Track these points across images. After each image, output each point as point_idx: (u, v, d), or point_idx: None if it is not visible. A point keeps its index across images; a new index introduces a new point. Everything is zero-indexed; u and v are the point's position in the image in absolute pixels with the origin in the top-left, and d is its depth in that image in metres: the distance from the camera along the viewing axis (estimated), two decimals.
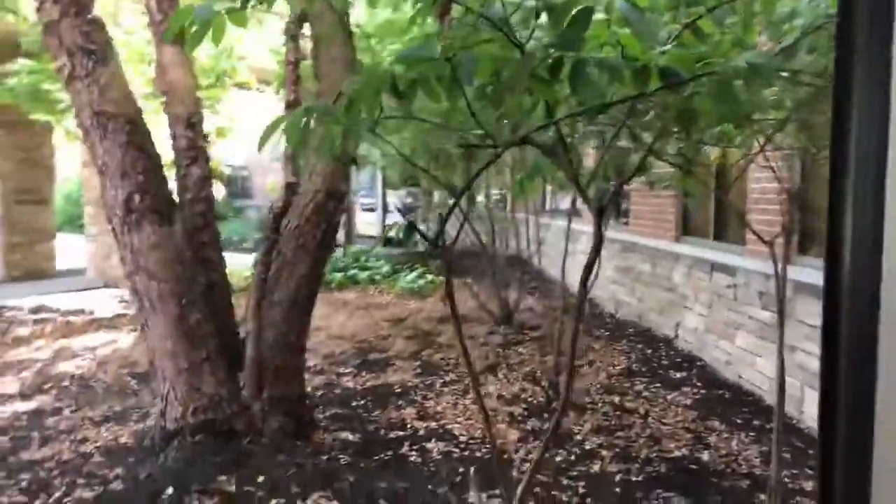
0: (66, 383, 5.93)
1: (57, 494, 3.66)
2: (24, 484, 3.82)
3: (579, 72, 1.33)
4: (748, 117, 3.00)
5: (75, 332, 7.92)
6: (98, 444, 4.42)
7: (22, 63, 8.75)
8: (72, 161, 16.58)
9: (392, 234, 13.79)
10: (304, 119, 1.51)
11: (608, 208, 2.50)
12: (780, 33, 2.57)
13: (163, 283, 4.13)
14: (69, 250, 13.77)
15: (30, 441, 4.53)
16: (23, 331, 7.93)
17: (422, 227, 12.96)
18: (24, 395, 5.60)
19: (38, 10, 4.03)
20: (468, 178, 9.27)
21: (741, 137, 3.27)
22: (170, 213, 4.25)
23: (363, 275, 12.07)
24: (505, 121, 2.09)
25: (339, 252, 14.39)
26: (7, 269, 12.01)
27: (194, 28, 1.78)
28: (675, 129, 3.33)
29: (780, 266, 3.35)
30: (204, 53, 8.81)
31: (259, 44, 9.72)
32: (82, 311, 9.17)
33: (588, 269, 2.09)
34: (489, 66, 1.52)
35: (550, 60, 1.41)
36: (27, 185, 12.33)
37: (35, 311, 9.24)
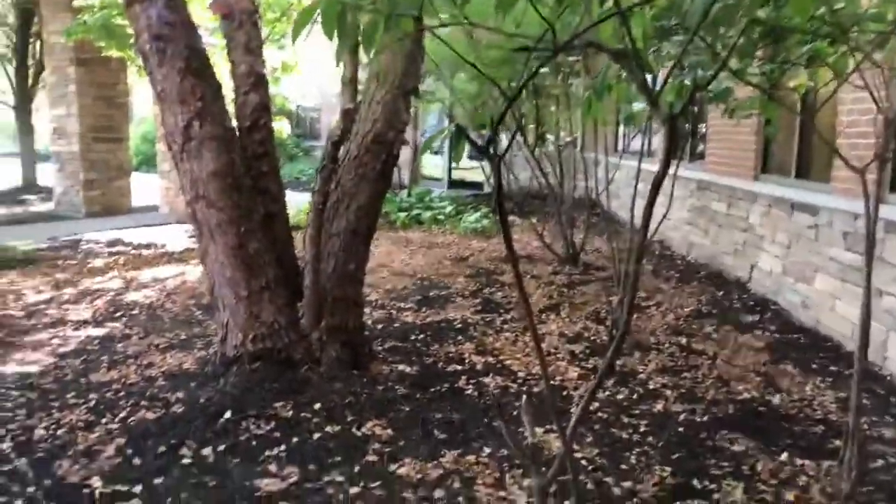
0: (135, 311, 6.10)
1: (122, 415, 3.76)
2: (91, 403, 3.94)
3: None
4: (844, 32, 2.70)
5: (147, 265, 8.14)
6: (163, 369, 4.52)
7: None
8: (148, 101, 16.91)
9: (436, 144, 13.63)
10: (340, 6, 1.37)
11: (680, 122, 2.29)
12: None
13: (222, 212, 4.11)
14: (145, 188, 14.15)
15: (99, 364, 4.67)
16: (98, 262, 8.20)
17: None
18: (96, 322, 5.78)
19: None
20: (534, 114, 8.99)
21: (835, 57, 2.96)
22: (229, 140, 4.20)
23: (427, 214, 12.00)
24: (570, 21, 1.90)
25: (403, 193, 14.35)
26: (86, 204, 12.44)
27: None
28: (760, 47, 3.05)
29: (871, 201, 3.06)
30: None
31: None
32: (154, 245, 9.43)
33: (650, 204, 1.91)
34: None
35: None
36: (104, 123, 12.64)
37: (110, 244, 9.55)
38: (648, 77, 2.04)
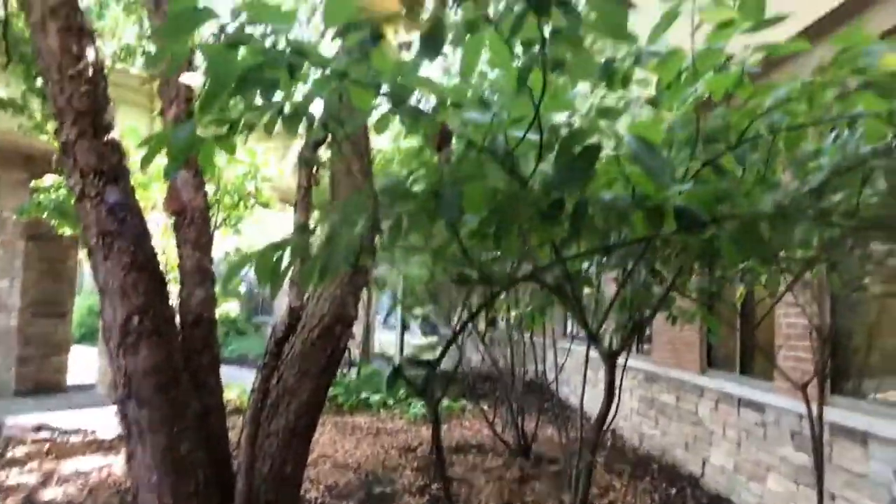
0: None
1: None
2: None
3: (582, 214, 1.18)
4: (774, 255, 2.83)
5: (72, 454, 7.61)
6: None
7: (52, 178, 8.97)
8: None
9: (390, 319, 13.49)
10: (277, 255, 1.36)
11: (623, 350, 2.29)
12: (805, 171, 2.44)
13: (155, 411, 3.90)
14: (85, 364, 13.61)
15: None
16: (19, 451, 7.65)
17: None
18: None
19: (57, 131, 4.06)
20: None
21: (767, 275, 3.09)
22: (169, 336, 4.09)
23: (375, 398, 11.70)
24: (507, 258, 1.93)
25: (353, 372, 14.08)
26: (17, 381, 11.85)
27: (173, 152, 1.68)
28: (697, 266, 3.17)
29: (815, 409, 3.06)
30: (230, 174, 8.97)
31: (282, 163, 9.92)
32: (84, 431, 8.90)
33: (600, 423, 1.86)
34: (480, 202, 1.38)
35: (551, 200, 1.26)
36: (48, 298, 12.37)
37: (37, 429, 8.98)
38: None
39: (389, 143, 12.12)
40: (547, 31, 1.41)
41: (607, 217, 1.36)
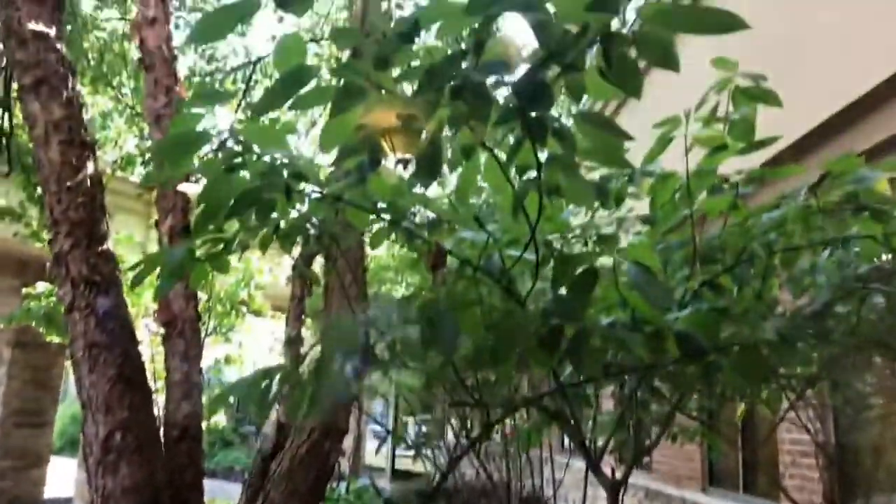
0: None
1: None
2: None
3: (580, 345, 1.14)
4: (775, 374, 2.78)
5: None
6: None
7: (42, 286, 8.93)
8: None
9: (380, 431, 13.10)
10: (265, 383, 1.31)
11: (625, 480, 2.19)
12: (802, 287, 2.43)
13: None
14: (63, 476, 13.12)
15: None
16: None
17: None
18: None
19: (51, 242, 4.06)
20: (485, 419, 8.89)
21: (768, 393, 3.02)
22: (152, 452, 3.93)
23: None
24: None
25: (343, 486, 13.58)
26: None
27: (166, 273, 1.66)
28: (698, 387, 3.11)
29: None
30: (222, 281, 8.96)
31: (277, 270, 9.93)
32: None
33: None
34: (477, 326, 1.35)
35: (549, 327, 1.23)
36: (30, 407, 12.06)
37: None
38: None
39: (384, 250, 12.23)
40: (543, 156, 1.43)
41: (606, 342, 1.33)
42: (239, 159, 1.53)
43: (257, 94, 8.67)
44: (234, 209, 1.55)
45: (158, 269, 1.70)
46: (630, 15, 2.55)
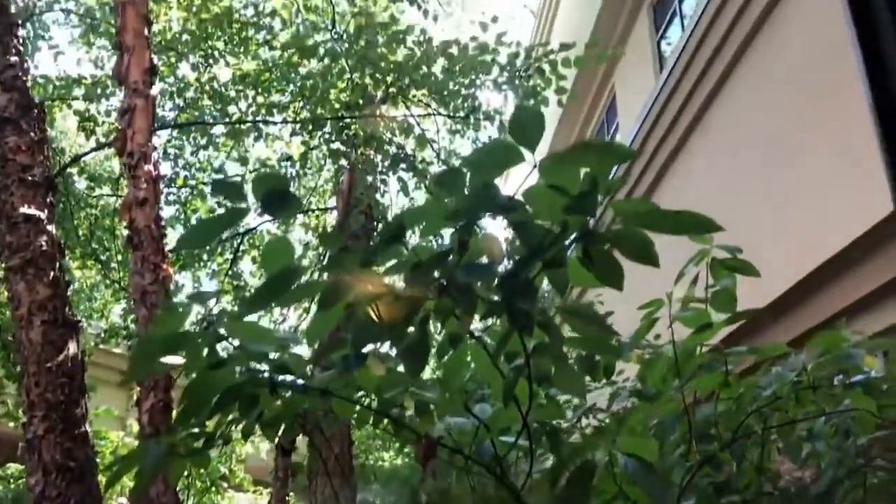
0: None
1: None
2: None
3: None
4: None
5: None
6: None
7: (14, 467, 8.56)
8: None
9: None
10: None
11: None
12: (801, 457, 2.37)
13: None
14: None
15: None
16: None
17: None
18: None
19: (25, 426, 3.93)
20: None
21: None
22: None
23: None
24: None
25: None
26: None
27: (144, 472, 1.58)
28: None
29: None
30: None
31: (258, 441, 9.60)
32: None
33: None
34: None
35: None
36: None
37: None
38: None
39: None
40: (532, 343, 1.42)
41: None
42: (223, 353, 1.52)
43: (245, 265, 8.81)
44: (217, 406, 1.51)
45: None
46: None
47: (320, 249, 7.83)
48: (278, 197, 1.23)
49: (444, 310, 1.33)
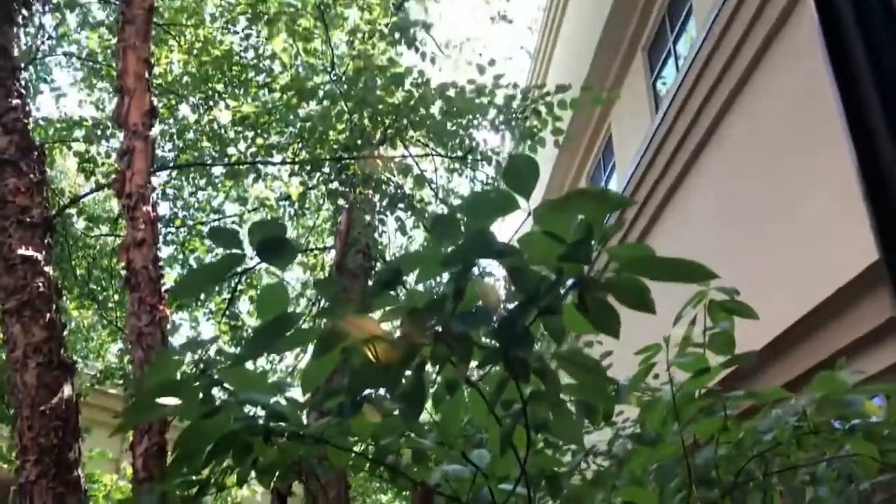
0: None
1: None
2: None
3: None
4: None
5: None
6: None
7: None
8: None
9: None
10: None
11: None
12: (804, 500, 2.34)
13: None
14: None
15: None
16: None
17: None
18: None
19: (18, 470, 3.88)
20: None
21: None
22: None
23: None
24: None
25: None
26: None
27: None
28: None
29: None
30: None
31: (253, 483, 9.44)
32: None
33: None
34: None
35: None
36: None
37: None
38: None
39: None
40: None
41: None
42: (217, 401, 1.51)
43: (243, 305, 8.77)
44: (212, 454, 1.50)
45: None
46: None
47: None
48: (275, 244, 1.23)
49: (440, 357, 1.32)
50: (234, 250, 1.28)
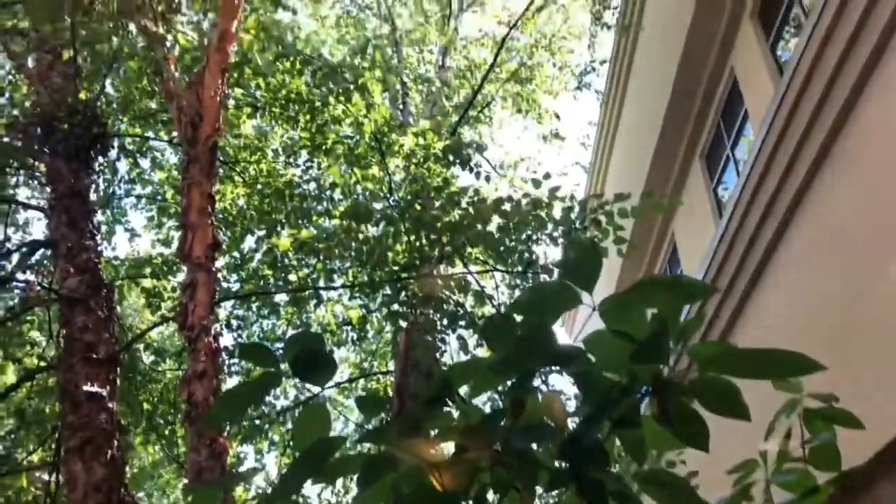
0: None
1: None
2: None
3: None
4: None
5: None
6: None
7: None
8: None
9: None
10: None
11: None
12: None
13: None
14: None
15: None
16: None
17: None
18: None
19: None
20: None
21: None
22: None
23: None
24: None
25: None
26: None
27: None
28: None
29: None
30: None
31: None
32: None
33: None
34: None
35: None
36: None
37: None
38: None
39: None
40: None
41: None
42: None
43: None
44: None
45: None
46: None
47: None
48: (310, 358, 1.11)
49: (501, 482, 1.15)
50: (269, 368, 1.16)
